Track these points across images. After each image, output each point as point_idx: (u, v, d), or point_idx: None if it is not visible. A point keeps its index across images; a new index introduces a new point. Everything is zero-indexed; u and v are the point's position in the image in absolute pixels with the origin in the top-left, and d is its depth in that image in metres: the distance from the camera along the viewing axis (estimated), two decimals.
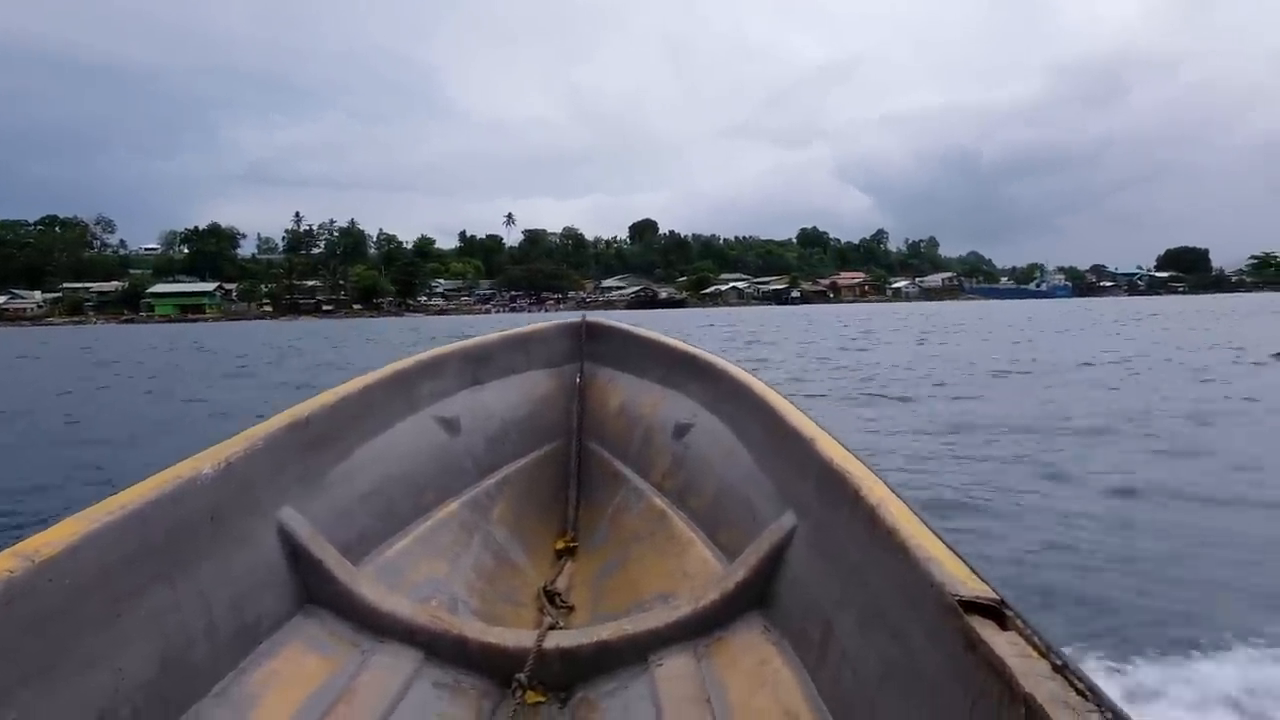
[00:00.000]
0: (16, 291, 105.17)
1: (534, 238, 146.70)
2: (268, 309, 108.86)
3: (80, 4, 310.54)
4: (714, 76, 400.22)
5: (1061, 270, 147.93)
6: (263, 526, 1.72)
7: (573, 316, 3.24)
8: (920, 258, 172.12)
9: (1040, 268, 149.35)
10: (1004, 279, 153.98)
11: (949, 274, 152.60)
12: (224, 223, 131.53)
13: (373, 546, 2.02)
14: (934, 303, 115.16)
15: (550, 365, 3.01)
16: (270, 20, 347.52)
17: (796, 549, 1.74)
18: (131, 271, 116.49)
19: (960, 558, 1.17)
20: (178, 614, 1.42)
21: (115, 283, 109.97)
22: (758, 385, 2.19)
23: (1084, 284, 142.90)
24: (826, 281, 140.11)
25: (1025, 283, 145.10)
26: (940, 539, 1.23)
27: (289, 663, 1.61)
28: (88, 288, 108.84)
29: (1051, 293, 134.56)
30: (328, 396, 2.03)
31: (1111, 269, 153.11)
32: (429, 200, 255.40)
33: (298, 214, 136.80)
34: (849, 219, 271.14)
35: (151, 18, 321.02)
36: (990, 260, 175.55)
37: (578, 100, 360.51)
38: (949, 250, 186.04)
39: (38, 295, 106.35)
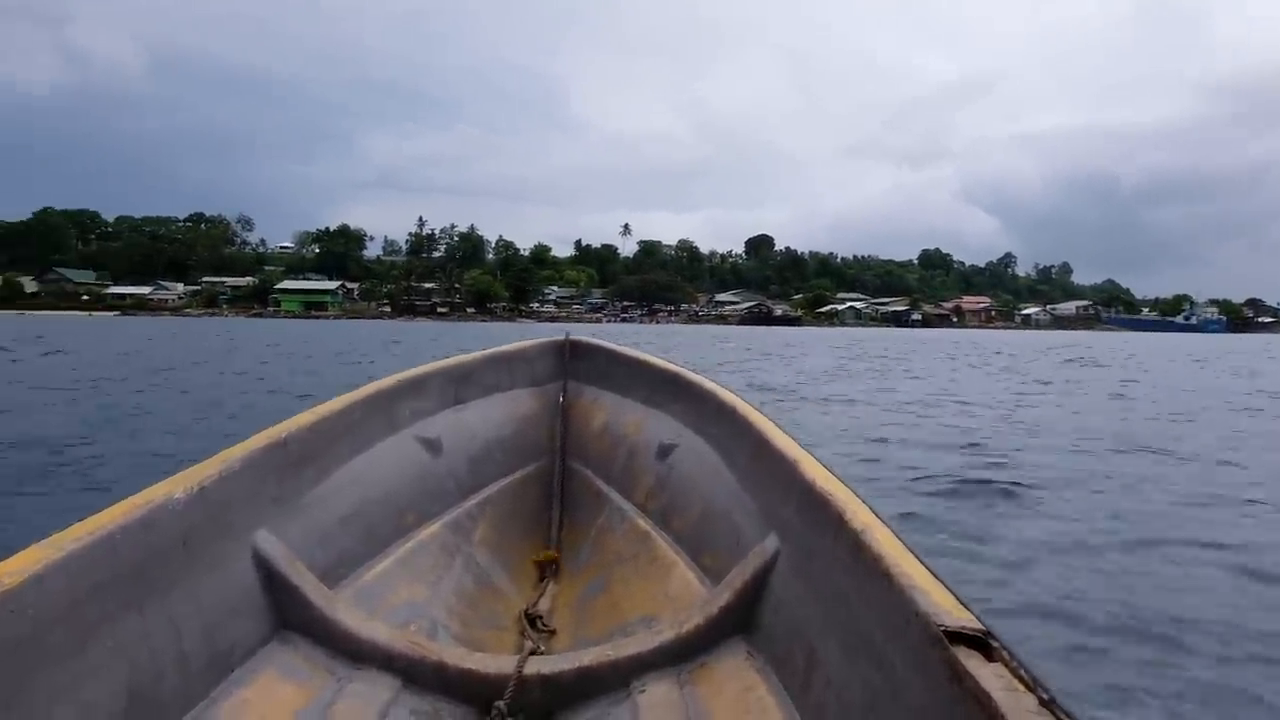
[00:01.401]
0: (162, 283, 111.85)
1: (649, 249, 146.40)
2: (386, 309, 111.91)
3: (234, 21, 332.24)
4: (837, 93, 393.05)
5: (1214, 303, 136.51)
6: (237, 551, 1.67)
7: (556, 334, 3.15)
8: (1051, 284, 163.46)
9: (1188, 299, 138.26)
10: (1145, 309, 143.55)
11: (1084, 302, 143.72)
12: (353, 225, 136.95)
13: (351, 570, 1.98)
14: (1070, 332, 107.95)
15: (533, 384, 2.96)
16: (406, 35, 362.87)
17: (780, 573, 1.72)
18: (266, 268, 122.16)
19: (946, 587, 1.16)
20: (147, 643, 1.38)
21: (249, 278, 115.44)
22: (742, 406, 2.18)
23: (1238, 318, 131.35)
24: (949, 305, 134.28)
25: (1171, 315, 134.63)
26: (926, 567, 1.22)
27: (262, 692, 1.57)
28: (224, 282, 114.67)
29: (1202, 326, 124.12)
30: (307, 416, 1.99)
31: (1272, 303, 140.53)
32: (548, 210, 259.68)
33: (421, 218, 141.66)
34: (973, 241, 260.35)
35: (299, 34, 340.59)
36: (1128, 289, 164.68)
37: (697, 114, 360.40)
38: (1082, 278, 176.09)
39: (180, 287, 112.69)
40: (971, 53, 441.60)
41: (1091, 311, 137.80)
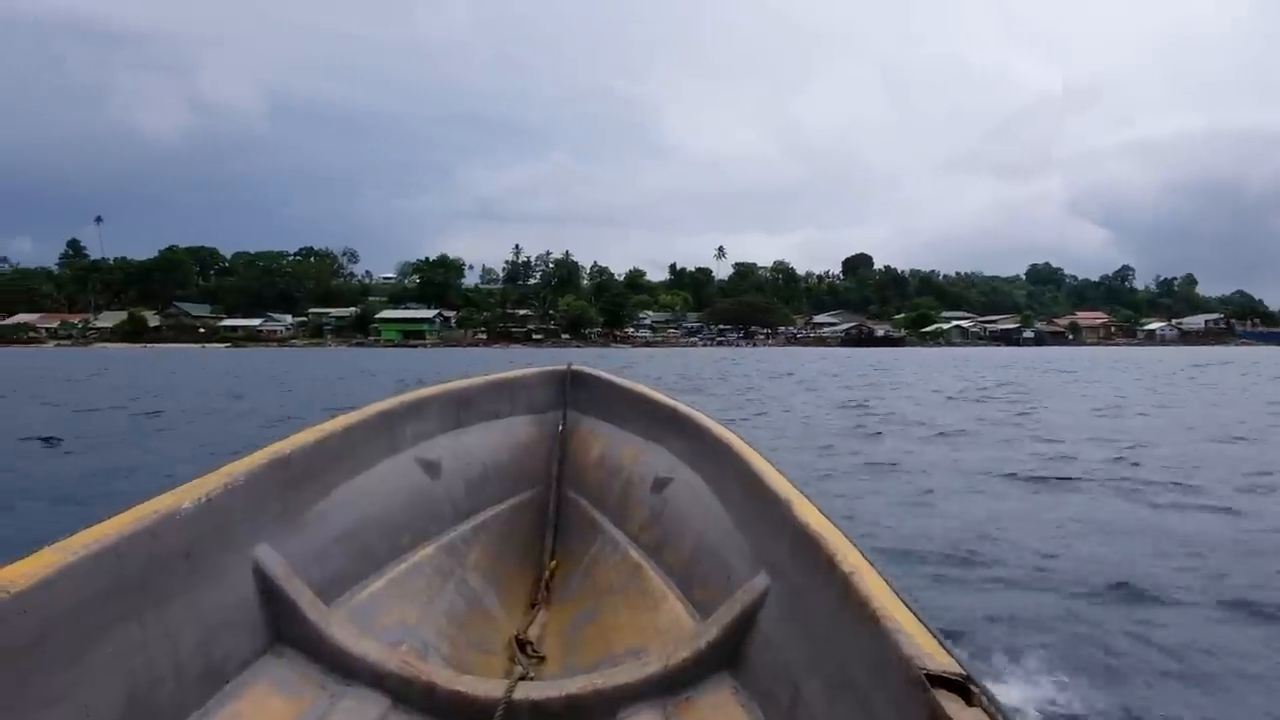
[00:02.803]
0: (273, 315, 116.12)
1: (744, 271, 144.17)
2: (482, 336, 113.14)
3: (342, 65, 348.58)
4: (934, 106, 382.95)
5: None
6: (238, 564, 1.69)
7: (558, 363, 3.19)
8: (1173, 297, 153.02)
9: None
10: None
11: (1214, 315, 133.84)
12: (452, 255, 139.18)
13: (346, 587, 2.00)
14: (1204, 348, 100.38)
15: (533, 411, 2.99)
16: (500, 70, 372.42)
17: (769, 611, 1.74)
18: (370, 298, 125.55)
19: (930, 631, 1.17)
20: (146, 651, 1.40)
21: (352, 309, 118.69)
22: (737, 443, 2.18)
23: None
24: (1064, 321, 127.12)
25: None
26: (911, 611, 1.23)
27: (254, 705, 1.59)
28: (328, 313, 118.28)
29: None
30: (310, 434, 2.01)
31: None
32: (641, 235, 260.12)
33: (517, 246, 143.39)
34: (1082, 255, 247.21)
35: (400, 74, 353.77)
36: (1260, 300, 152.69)
37: (789, 134, 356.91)
38: (1208, 289, 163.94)
39: (288, 319, 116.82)
40: (1076, 59, 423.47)
41: (1224, 325, 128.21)
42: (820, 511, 1.66)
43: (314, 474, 1.97)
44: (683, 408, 2.62)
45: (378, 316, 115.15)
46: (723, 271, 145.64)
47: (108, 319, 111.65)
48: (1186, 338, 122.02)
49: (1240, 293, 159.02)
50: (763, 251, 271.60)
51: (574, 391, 3.07)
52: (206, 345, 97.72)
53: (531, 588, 2.63)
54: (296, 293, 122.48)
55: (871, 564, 1.40)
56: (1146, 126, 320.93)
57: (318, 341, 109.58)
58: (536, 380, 3.04)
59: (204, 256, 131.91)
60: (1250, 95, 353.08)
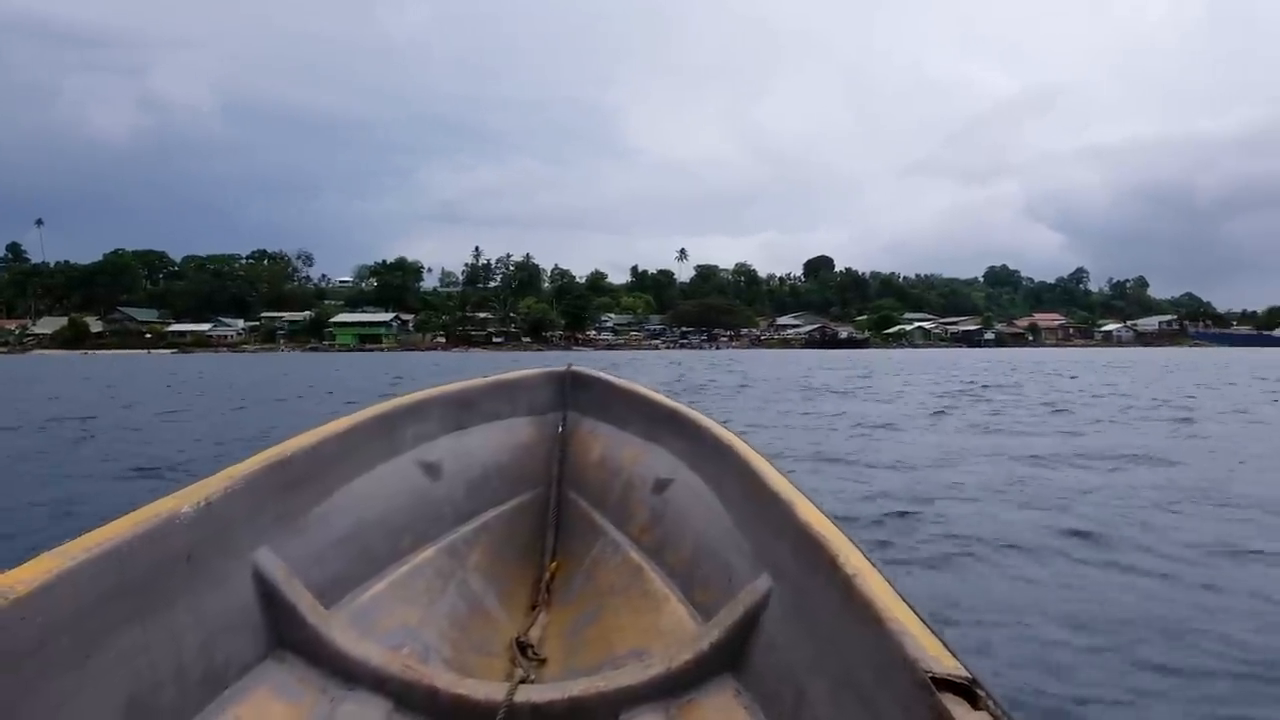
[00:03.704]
0: (223, 320, 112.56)
1: (706, 273, 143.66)
2: (441, 340, 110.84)
3: (300, 64, 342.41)
4: (894, 111, 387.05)
5: None
6: (239, 568, 1.70)
7: (558, 364, 3.20)
8: (1126, 299, 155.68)
9: None
10: (1233, 323, 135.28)
11: (1168, 317, 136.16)
12: (413, 258, 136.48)
13: (347, 591, 2.01)
14: (1162, 349, 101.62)
15: (533, 413, 3.00)
16: (464, 73, 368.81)
17: (771, 613, 1.74)
18: (326, 303, 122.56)
19: (935, 633, 1.17)
20: (147, 656, 1.40)
21: (306, 312, 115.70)
22: (739, 444, 2.19)
23: None
24: (1024, 323, 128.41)
25: (1268, 329, 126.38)
26: (915, 613, 1.22)
27: (256, 709, 1.59)
28: (281, 317, 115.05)
29: None
30: (309, 437, 2.02)
31: None
32: (603, 238, 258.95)
33: (477, 248, 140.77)
34: (1037, 258, 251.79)
35: (362, 75, 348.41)
36: (1209, 303, 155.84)
37: (752, 138, 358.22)
38: (1159, 292, 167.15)
39: (240, 323, 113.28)
40: (1033, 66, 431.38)
41: (1177, 326, 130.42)
42: (822, 513, 1.66)
43: (314, 476, 1.98)
44: (683, 408, 2.61)
45: (333, 320, 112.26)
46: (685, 274, 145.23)
47: (47, 325, 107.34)
48: (1142, 338, 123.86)
49: (1189, 295, 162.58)
50: (725, 254, 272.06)
51: (574, 392, 3.05)
52: (152, 351, 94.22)
53: (532, 589, 2.61)
54: (248, 296, 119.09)
55: (874, 565, 1.40)
56: (1100, 133, 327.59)
57: (270, 346, 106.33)
58: (536, 381, 3.03)
59: (152, 260, 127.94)
60: (1200, 103, 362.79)
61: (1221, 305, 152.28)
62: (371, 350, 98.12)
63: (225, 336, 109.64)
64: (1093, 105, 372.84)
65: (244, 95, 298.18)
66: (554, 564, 2.70)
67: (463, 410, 2.74)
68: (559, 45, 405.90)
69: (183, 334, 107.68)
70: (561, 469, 2.88)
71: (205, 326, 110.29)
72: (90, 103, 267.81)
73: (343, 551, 2.01)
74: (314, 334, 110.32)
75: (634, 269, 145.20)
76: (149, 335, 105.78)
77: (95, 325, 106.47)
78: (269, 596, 1.73)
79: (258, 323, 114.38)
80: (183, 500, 1.55)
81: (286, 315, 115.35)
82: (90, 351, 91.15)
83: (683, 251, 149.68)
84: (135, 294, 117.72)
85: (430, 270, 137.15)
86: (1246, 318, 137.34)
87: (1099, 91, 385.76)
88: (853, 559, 1.41)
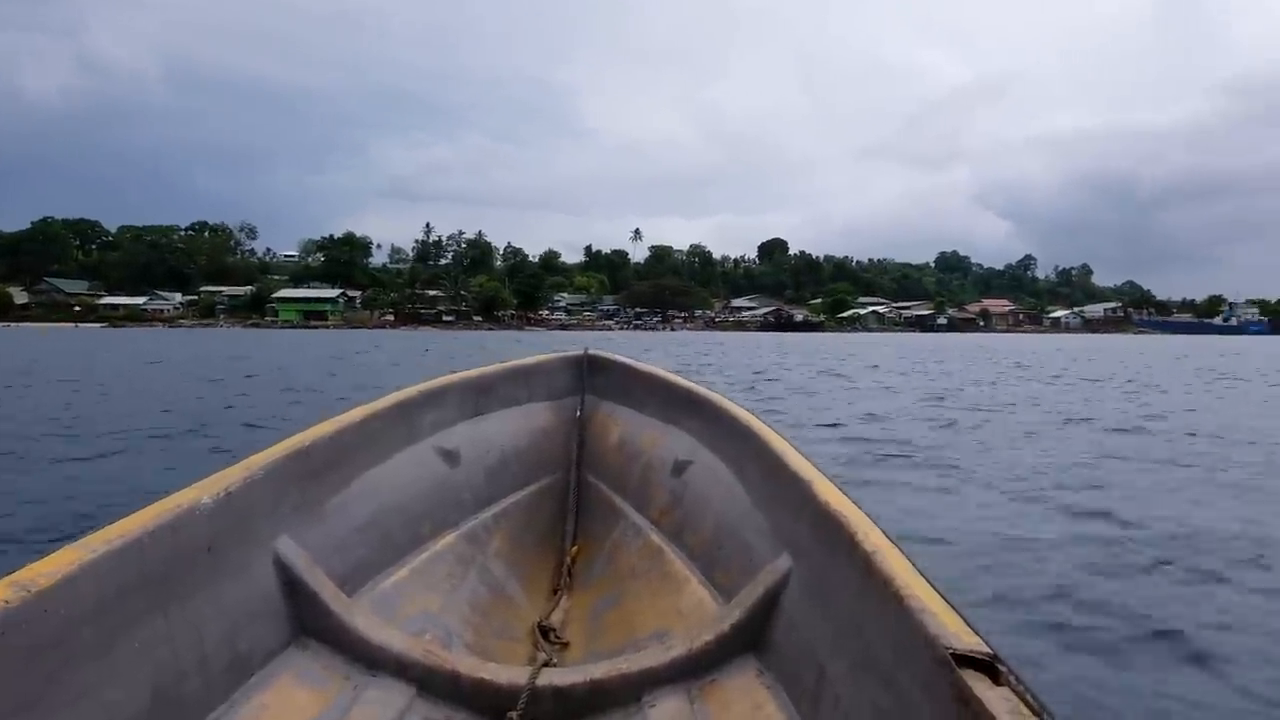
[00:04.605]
0: (159, 293, 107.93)
1: (660, 254, 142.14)
2: (389, 318, 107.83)
3: (250, 32, 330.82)
4: (848, 97, 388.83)
5: (1253, 303, 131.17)
6: (260, 557, 1.71)
7: (575, 348, 3.19)
8: (1071, 286, 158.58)
9: (1225, 300, 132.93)
10: (1174, 311, 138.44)
11: (1113, 304, 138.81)
12: (364, 234, 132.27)
13: (368, 578, 2.02)
14: (1108, 335, 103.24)
15: (551, 397, 3.00)
16: (420, 46, 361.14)
17: (792, 592, 1.74)
18: (270, 277, 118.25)
19: (955, 610, 1.16)
20: (170, 646, 1.41)
21: (248, 287, 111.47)
22: (757, 424, 2.19)
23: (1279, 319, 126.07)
24: (975, 308, 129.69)
25: (1208, 316, 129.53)
26: (936, 590, 1.23)
27: (280, 696, 1.60)
28: (220, 291, 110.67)
29: (1243, 328, 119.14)
30: (328, 426, 2.03)
31: None
32: (558, 217, 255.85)
33: (428, 225, 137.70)
34: (986, 244, 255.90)
35: (314, 45, 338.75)
36: (1149, 291, 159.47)
37: (707, 120, 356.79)
38: (1102, 280, 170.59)
39: (177, 297, 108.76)
40: (985, 55, 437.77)
41: (1122, 314, 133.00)
42: (841, 492, 1.67)
43: (333, 465, 1.99)
44: (701, 390, 2.61)
45: (275, 295, 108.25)
46: (639, 254, 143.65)
47: None
48: (1089, 325, 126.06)
49: (1130, 283, 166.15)
50: (680, 235, 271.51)
51: (591, 376, 3.06)
52: (80, 325, 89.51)
53: (553, 574, 2.62)
54: (187, 269, 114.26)
55: (894, 543, 1.40)
56: (1048, 122, 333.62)
57: (208, 322, 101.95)
58: (554, 366, 3.03)
59: (84, 230, 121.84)
60: (1146, 96, 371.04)
61: (1161, 293, 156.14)
62: (316, 327, 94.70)
63: (161, 310, 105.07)
64: (1042, 95, 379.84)
65: (188, 59, 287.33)
66: (574, 548, 2.68)
67: (480, 396, 2.72)
68: (517, 22, 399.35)
69: (115, 307, 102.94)
70: (580, 453, 2.87)
71: (140, 300, 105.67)
72: (21, 61, 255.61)
73: (363, 539, 2.01)
74: (256, 309, 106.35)
75: (588, 249, 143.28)
76: (78, 308, 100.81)
77: (20, 297, 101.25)
78: (291, 585, 1.74)
79: (196, 297, 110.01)
80: (203, 491, 1.55)
81: (227, 290, 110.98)
82: (12, 324, 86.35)
83: (637, 232, 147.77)
84: (66, 264, 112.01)
85: (380, 247, 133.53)
86: (1186, 306, 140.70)
87: (1049, 82, 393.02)
88: (872, 537, 1.42)
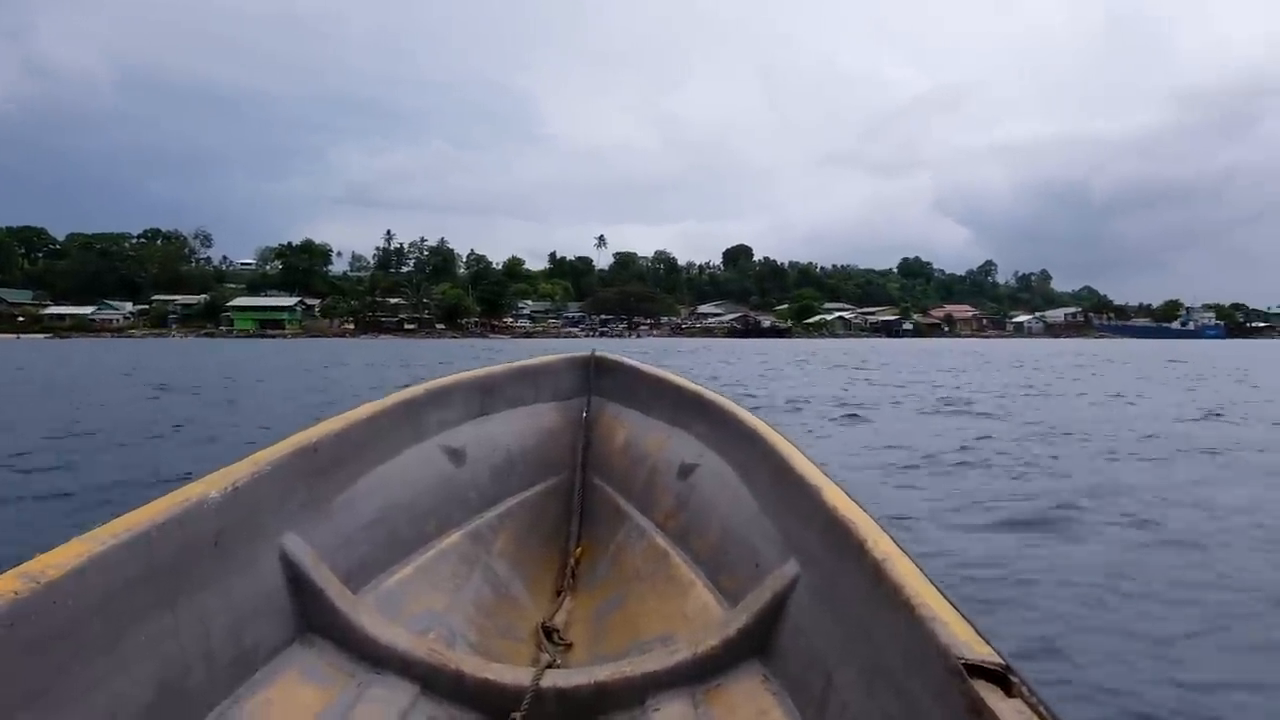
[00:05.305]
0: (108, 302, 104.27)
1: (625, 260, 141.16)
2: (349, 326, 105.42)
3: (204, 36, 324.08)
4: (809, 105, 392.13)
5: (1209, 308, 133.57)
6: (266, 553, 1.71)
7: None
8: (1031, 291, 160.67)
9: (1182, 305, 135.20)
10: (1132, 315, 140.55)
11: (1073, 309, 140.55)
12: (324, 241, 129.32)
13: (373, 575, 2.02)
14: (1071, 340, 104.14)
15: (557, 398, 3.00)
16: (378, 52, 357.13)
17: (799, 598, 1.72)
18: (225, 286, 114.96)
19: (967, 619, 1.14)
20: (176, 639, 1.41)
21: (202, 296, 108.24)
22: (764, 429, 2.17)
23: (1233, 323, 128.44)
24: (939, 314, 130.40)
25: (1166, 320, 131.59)
26: (946, 599, 1.20)
27: (284, 692, 1.60)
28: (173, 300, 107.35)
29: (1200, 332, 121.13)
30: (336, 423, 2.02)
31: (1264, 309, 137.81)
32: (520, 224, 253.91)
33: (389, 232, 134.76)
34: (945, 251, 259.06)
35: (270, 50, 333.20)
36: (1106, 296, 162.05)
37: (669, 127, 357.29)
38: (1060, 285, 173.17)
39: (128, 306, 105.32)
40: (942, 64, 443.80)
41: (1083, 319, 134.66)
42: (850, 497, 1.64)
43: (340, 462, 1.98)
44: (708, 393, 2.59)
45: (230, 304, 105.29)
46: (603, 261, 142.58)
47: None
48: (1051, 330, 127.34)
49: (1088, 289, 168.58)
50: (643, 242, 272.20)
51: (598, 378, 3.06)
52: (22, 336, 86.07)
53: (557, 575, 2.62)
54: (139, 278, 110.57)
55: (904, 550, 1.38)
56: (1004, 131, 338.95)
57: (160, 332, 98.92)
58: (560, 367, 3.04)
59: (29, 237, 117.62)
60: (1099, 106, 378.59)
61: (1118, 298, 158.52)
62: (274, 336, 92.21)
63: (110, 320, 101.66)
64: (999, 104, 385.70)
65: (140, 63, 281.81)
66: (579, 549, 2.68)
67: (486, 396, 2.72)
68: (475, 26, 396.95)
69: (61, 317, 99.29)
70: (586, 454, 2.87)
71: (88, 310, 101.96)
72: None
73: (369, 537, 2.01)
74: (210, 318, 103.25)
75: (552, 255, 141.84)
76: (21, 319, 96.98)
77: None
78: (296, 581, 1.74)
79: (148, 306, 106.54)
80: (210, 485, 1.55)
81: (180, 298, 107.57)
82: None
83: (601, 239, 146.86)
84: (10, 274, 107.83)
85: (340, 254, 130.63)
86: (1143, 310, 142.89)
87: (1005, 91, 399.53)
88: (881, 544, 1.40)
